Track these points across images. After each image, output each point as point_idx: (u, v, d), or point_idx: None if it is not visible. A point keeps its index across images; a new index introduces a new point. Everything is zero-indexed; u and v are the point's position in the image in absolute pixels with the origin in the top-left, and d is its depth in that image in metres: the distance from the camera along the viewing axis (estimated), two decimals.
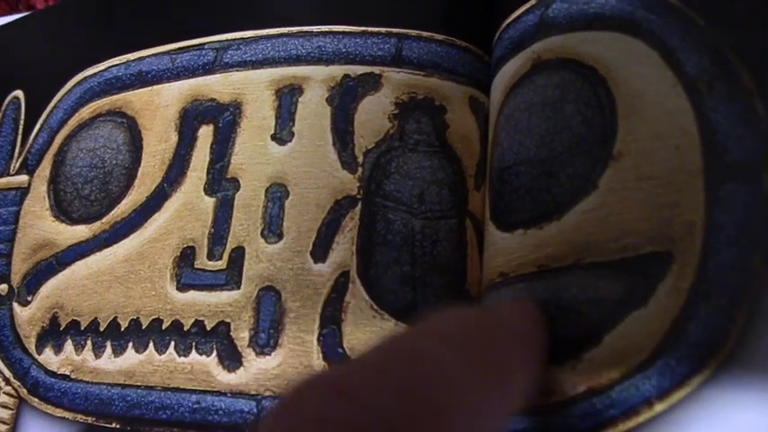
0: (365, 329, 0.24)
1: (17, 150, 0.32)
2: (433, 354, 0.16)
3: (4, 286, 0.30)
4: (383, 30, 0.27)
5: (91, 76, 0.31)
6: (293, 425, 0.14)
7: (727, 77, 0.20)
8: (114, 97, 0.30)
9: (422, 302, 0.25)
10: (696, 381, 0.19)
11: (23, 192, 0.31)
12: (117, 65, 0.31)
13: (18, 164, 0.32)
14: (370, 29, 0.27)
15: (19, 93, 0.33)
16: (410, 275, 0.25)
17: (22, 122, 0.32)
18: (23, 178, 0.31)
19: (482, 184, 0.26)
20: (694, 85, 0.20)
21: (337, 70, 0.26)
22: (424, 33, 0.27)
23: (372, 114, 0.26)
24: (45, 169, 0.31)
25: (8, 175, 0.32)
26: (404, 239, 0.25)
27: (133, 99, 0.30)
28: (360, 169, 0.25)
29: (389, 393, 0.15)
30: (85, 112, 0.31)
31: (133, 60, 0.30)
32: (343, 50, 0.27)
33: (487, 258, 0.25)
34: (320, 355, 0.24)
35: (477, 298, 0.25)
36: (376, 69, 0.26)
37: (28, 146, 0.32)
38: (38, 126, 0.32)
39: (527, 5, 0.24)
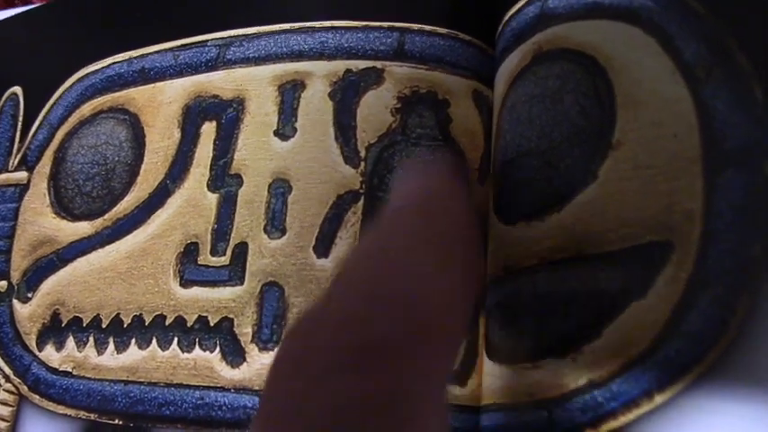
0: None
1: (16, 147, 0.33)
2: (403, 258, 0.18)
3: (4, 283, 0.31)
4: (385, 24, 0.28)
5: (92, 72, 0.32)
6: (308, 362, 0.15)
7: (725, 64, 0.20)
8: (116, 94, 0.31)
9: None
10: (696, 371, 0.19)
11: (23, 188, 0.32)
12: (119, 62, 0.32)
13: (17, 160, 0.33)
14: (372, 23, 0.28)
15: (17, 89, 0.34)
16: None
17: (20, 119, 0.34)
18: (23, 175, 0.32)
19: (486, 178, 0.27)
20: (692, 72, 0.21)
21: (339, 65, 0.28)
22: (427, 27, 0.28)
23: (375, 109, 0.27)
24: (45, 166, 0.32)
25: (7, 171, 0.33)
26: None
27: (136, 96, 0.31)
28: (362, 164, 0.26)
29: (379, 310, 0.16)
30: (87, 109, 0.32)
31: (136, 57, 0.31)
32: (346, 45, 0.28)
33: (491, 252, 0.26)
34: None
35: (482, 293, 0.26)
36: (378, 64, 0.27)
37: (27, 142, 0.33)
38: (37, 122, 0.33)
39: None
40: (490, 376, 0.24)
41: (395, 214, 0.20)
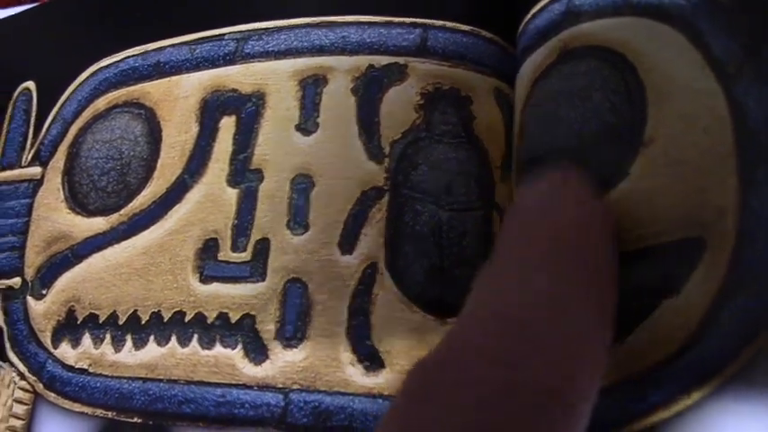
0: (394, 322, 0.25)
1: (29, 142, 0.33)
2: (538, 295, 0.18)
3: (18, 280, 0.31)
4: (408, 20, 0.28)
5: (106, 66, 0.32)
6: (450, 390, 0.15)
7: (755, 60, 0.20)
8: (131, 88, 0.31)
9: (449, 295, 0.26)
10: (730, 370, 0.19)
11: (36, 184, 0.32)
12: (134, 56, 0.32)
13: (30, 156, 0.33)
14: (394, 19, 0.28)
15: (30, 84, 0.34)
16: (438, 268, 0.26)
17: (33, 114, 0.33)
18: (36, 170, 0.32)
19: (508, 176, 0.27)
20: (723, 67, 0.21)
21: (362, 60, 0.28)
22: (449, 24, 0.28)
23: (398, 105, 0.27)
24: (59, 161, 0.32)
25: (20, 166, 0.33)
26: (431, 231, 0.26)
27: (151, 90, 0.31)
28: (386, 160, 0.26)
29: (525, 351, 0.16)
30: (101, 104, 0.32)
31: (151, 51, 0.31)
32: (368, 40, 0.28)
33: None
34: (349, 348, 0.25)
35: None
36: (401, 60, 0.27)
37: (40, 137, 0.33)
38: (51, 117, 0.33)
39: None
40: None
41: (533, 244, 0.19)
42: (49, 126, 0.33)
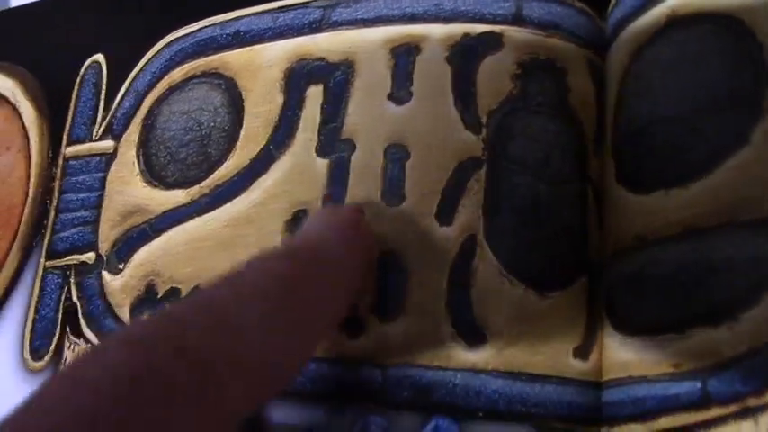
0: (495, 295, 0.24)
1: (100, 116, 0.32)
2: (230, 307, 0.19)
3: (92, 254, 0.30)
4: None
5: (182, 37, 0.31)
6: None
7: None
8: (209, 58, 0.30)
9: (548, 269, 0.25)
10: None
11: (109, 157, 0.31)
12: (211, 25, 0.31)
13: (101, 129, 0.32)
14: None
15: (99, 56, 0.33)
16: (537, 241, 0.25)
17: (103, 87, 0.33)
18: (108, 144, 0.32)
19: (600, 150, 0.27)
20: None
21: (456, 29, 0.27)
22: None
23: (494, 74, 0.26)
24: (133, 134, 0.31)
25: (91, 140, 0.32)
26: (530, 204, 0.25)
27: (231, 60, 0.30)
28: (483, 130, 0.26)
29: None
30: (177, 75, 0.31)
31: (229, 20, 0.31)
32: (462, 8, 0.27)
33: (617, 223, 0.25)
34: (449, 322, 0.24)
35: (600, 265, 0.25)
36: (497, 28, 0.27)
37: (112, 111, 0.32)
38: (123, 90, 0.32)
39: None
40: (617, 350, 0.24)
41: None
42: (122, 99, 0.32)
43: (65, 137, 0.33)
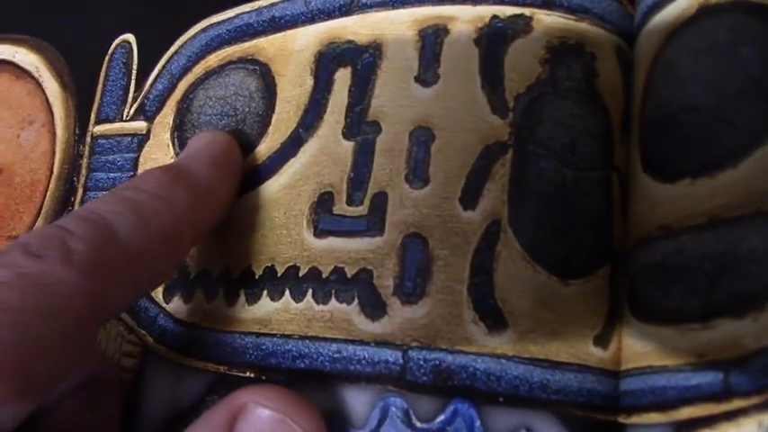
0: (518, 281, 0.25)
1: (131, 96, 0.34)
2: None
3: None
4: None
5: (218, 23, 0.32)
6: None
7: None
8: (246, 44, 0.31)
9: (573, 256, 0.25)
10: None
11: (141, 138, 0.33)
12: (247, 12, 0.32)
13: (133, 110, 0.33)
14: None
15: (129, 36, 0.34)
16: (562, 227, 0.25)
17: (134, 67, 0.34)
18: (141, 124, 0.33)
19: (626, 136, 0.27)
20: None
21: (485, 11, 0.27)
22: None
23: (523, 58, 0.26)
24: (167, 116, 0.32)
25: (121, 120, 0.33)
26: (556, 189, 0.25)
27: (266, 46, 0.31)
28: (510, 114, 0.26)
29: None
30: (213, 60, 0.32)
31: (264, 7, 0.31)
32: None
33: (642, 212, 0.25)
34: (471, 306, 0.25)
35: (623, 253, 0.25)
36: (526, 11, 0.27)
37: (144, 92, 0.33)
38: (156, 71, 0.33)
39: None
40: (637, 339, 0.24)
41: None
42: (155, 80, 0.33)
43: (92, 115, 0.34)
